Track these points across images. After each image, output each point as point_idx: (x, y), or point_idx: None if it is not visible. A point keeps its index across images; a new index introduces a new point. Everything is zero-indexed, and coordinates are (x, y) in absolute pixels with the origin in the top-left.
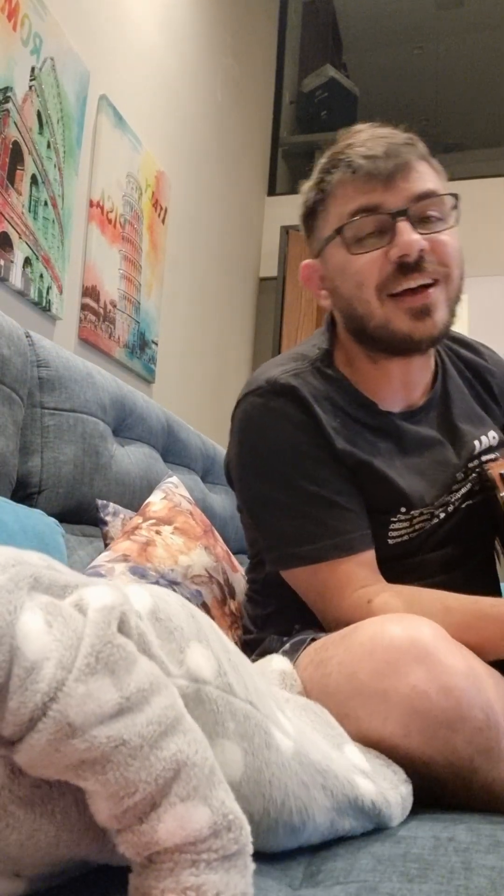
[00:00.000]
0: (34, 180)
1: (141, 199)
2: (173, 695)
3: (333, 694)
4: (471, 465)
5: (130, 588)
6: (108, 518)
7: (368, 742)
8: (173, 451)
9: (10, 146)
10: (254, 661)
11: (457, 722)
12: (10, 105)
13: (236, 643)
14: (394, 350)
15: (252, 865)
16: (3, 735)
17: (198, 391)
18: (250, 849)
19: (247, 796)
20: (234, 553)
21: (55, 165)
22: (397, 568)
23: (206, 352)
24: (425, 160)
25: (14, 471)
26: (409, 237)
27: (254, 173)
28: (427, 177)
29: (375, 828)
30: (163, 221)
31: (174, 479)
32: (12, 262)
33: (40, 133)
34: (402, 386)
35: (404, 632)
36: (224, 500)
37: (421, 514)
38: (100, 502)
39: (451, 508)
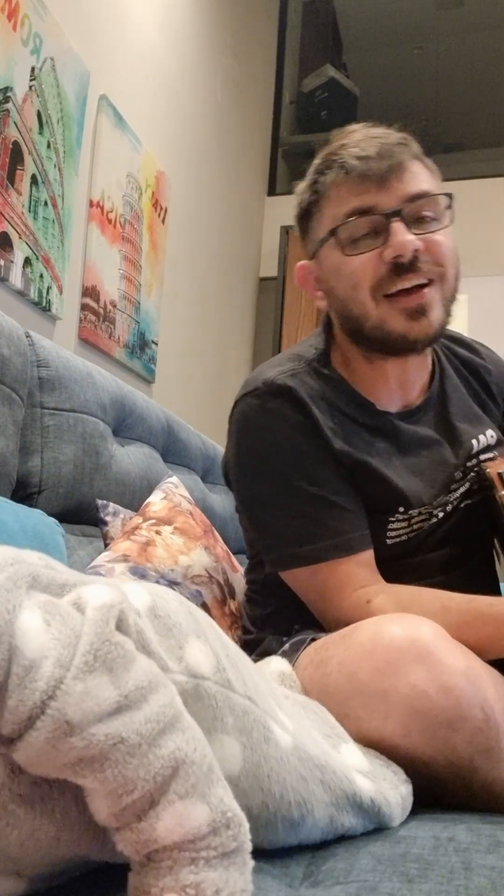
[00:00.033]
0: (34, 180)
1: (141, 199)
2: (172, 693)
3: (333, 694)
4: (469, 464)
5: (128, 586)
6: (108, 518)
7: (369, 742)
8: (173, 451)
9: (10, 146)
10: (254, 661)
11: (457, 721)
12: (10, 105)
13: (236, 643)
14: (390, 350)
15: (251, 863)
16: (2, 733)
17: (198, 391)
18: (249, 846)
19: (245, 790)
20: (234, 553)
21: (55, 165)
22: (396, 568)
23: (206, 352)
24: (419, 160)
25: (14, 471)
26: (403, 238)
27: (254, 173)
28: (421, 177)
29: (376, 828)
30: (163, 221)
31: (174, 479)
32: (12, 262)
33: (40, 133)
34: (398, 386)
35: (404, 631)
36: (224, 500)
37: (419, 513)
38: (100, 502)
39: (449, 508)
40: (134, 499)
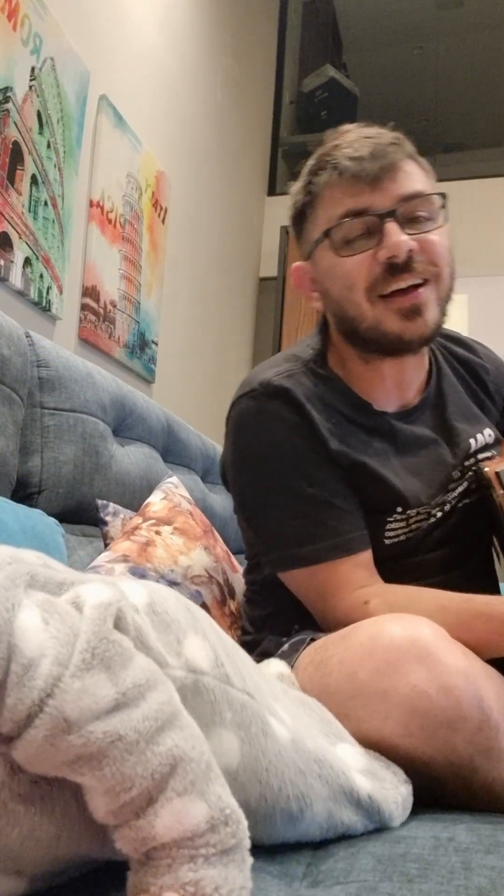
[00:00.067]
0: (34, 180)
1: (141, 199)
2: (170, 690)
3: (333, 694)
4: (467, 463)
5: (127, 583)
6: (108, 518)
7: (369, 742)
8: (173, 451)
9: (10, 146)
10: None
11: (457, 721)
12: (10, 105)
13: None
14: (386, 350)
15: (250, 859)
16: (1, 732)
17: (198, 391)
18: (248, 843)
19: (243, 784)
20: (234, 553)
21: (55, 165)
22: (395, 568)
23: (206, 352)
24: (413, 159)
25: (14, 471)
26: (397, 238)
27: (254, 173)
28: (415, 177)
29: (376, 828)
30: (163, 221)
31: (174, 479)
32: (12, 262)
33: (40, 133)
34: (395, 386)
35: (404, 631)
36: (224, 500)
37: (417, 513)
38: (100, 502)
39: (447, 508)
40: (134, 499)
